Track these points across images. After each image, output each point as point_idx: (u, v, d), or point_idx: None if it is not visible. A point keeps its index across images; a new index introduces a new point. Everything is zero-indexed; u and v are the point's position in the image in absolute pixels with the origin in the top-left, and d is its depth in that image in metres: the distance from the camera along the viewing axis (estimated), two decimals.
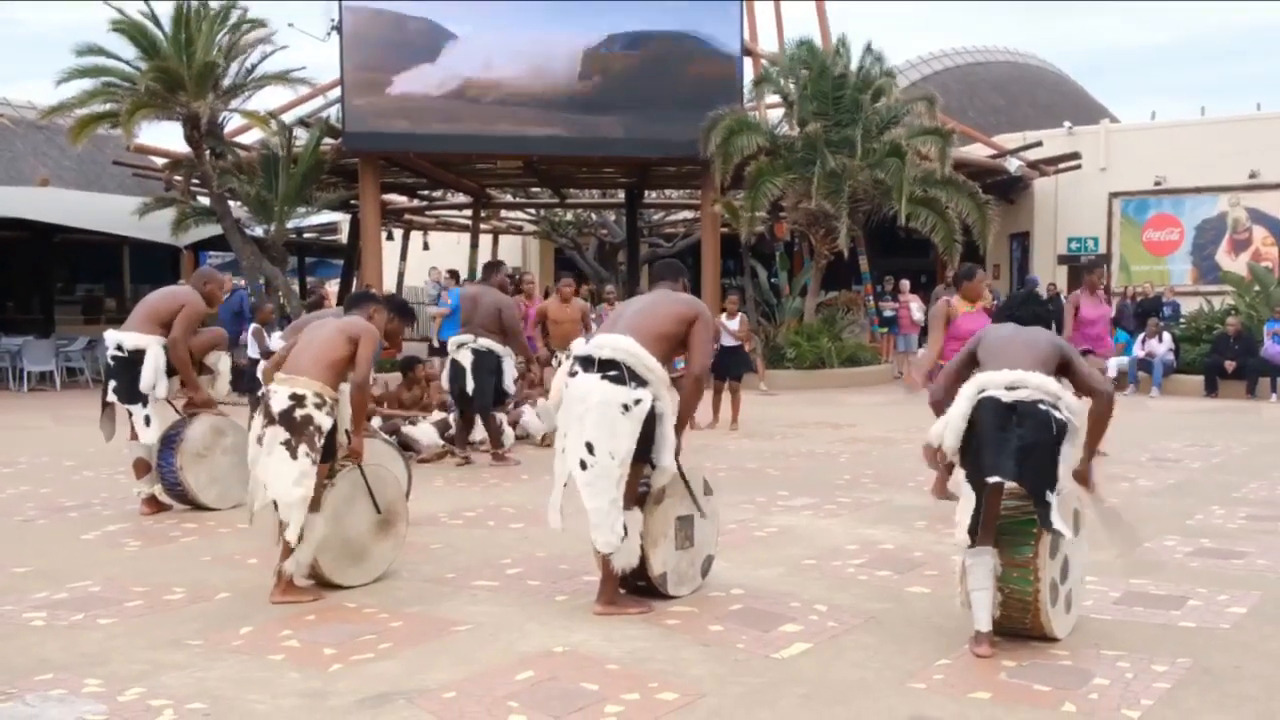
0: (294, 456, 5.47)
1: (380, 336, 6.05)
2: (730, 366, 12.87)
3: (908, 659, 4.65)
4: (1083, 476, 4.98)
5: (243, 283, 19.23)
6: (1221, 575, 6.05)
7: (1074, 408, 4.78)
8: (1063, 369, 4.95)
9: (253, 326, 12.54)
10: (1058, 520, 4.58)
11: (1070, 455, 4.76)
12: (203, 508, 7.75)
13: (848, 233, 18.18)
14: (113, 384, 7.71)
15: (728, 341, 12.88)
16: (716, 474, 8.58)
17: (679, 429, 5.40)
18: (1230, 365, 16.56)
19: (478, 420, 10.03)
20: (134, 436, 7.73)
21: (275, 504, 5.50)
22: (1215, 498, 8.36)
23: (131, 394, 7.60)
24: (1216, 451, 10.90)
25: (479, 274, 12.36)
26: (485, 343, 9.79)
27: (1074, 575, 4.99)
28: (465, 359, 9.79)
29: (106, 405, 7.84)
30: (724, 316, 13.31)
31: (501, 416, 10.18)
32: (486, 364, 9.78)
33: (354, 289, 20.46)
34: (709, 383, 13.37)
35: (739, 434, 12.20)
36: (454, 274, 19.62)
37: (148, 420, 7.64)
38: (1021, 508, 4.75)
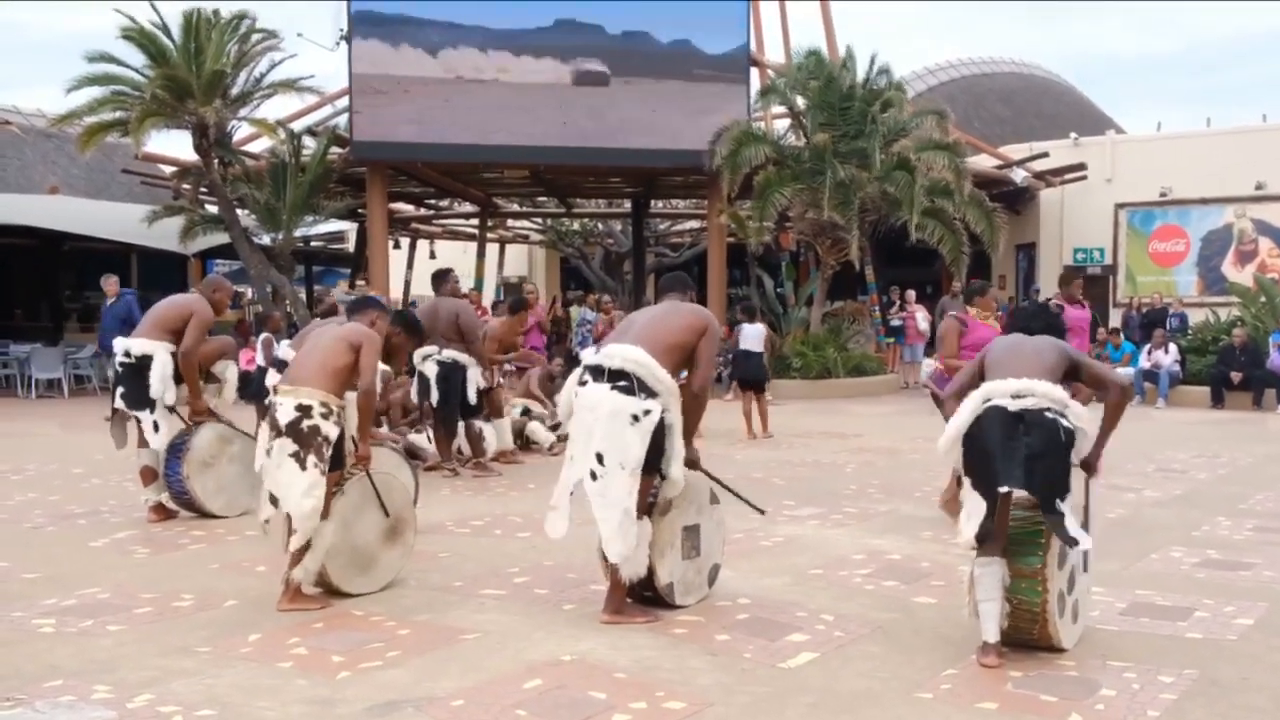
0: (303, 468, 5.48)
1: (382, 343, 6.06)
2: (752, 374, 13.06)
3: (915, 669, 4.66)
4: (1090, 465, 4.96)
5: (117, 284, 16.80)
6: (1228, 586, 6.05)
7: (1081, 414, 4.79)
8: (1072, 373, 4.95)
9: (262, 335, 12.58)
10: (1073, 529, 4.59)
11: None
12: (210, 516, 7.77)
13: (857, 244, 18.20)
14: (120, 390, 7.74)
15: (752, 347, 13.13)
16: None
17: (687, 439, 5.42)
18: (1236, 376, 16.55)
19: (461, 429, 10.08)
20: (142, 444, 7.76)
21: (289, 515, 5.52)
22: (1222, 509, 8.36)
23: (139, 400, 7.63)
24: (1223, 462, 10.89)
25: (501, 285, 12.31)
26: (449, 354, 9.78)
27: (1080, 585, 4.99)
28: (430, 371, 9.80)
29: (115, 412, 7.87)
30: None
31: (481, 424, 10.20)
32: (451, 375, 9.79)
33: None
34: (737, 393, 13.34)
35: (747, 443, 12.19)
36: (366, 280, 19.29)
37: (156, 426, 7.66)
38: (1030, 518, 4.76)
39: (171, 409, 7.79)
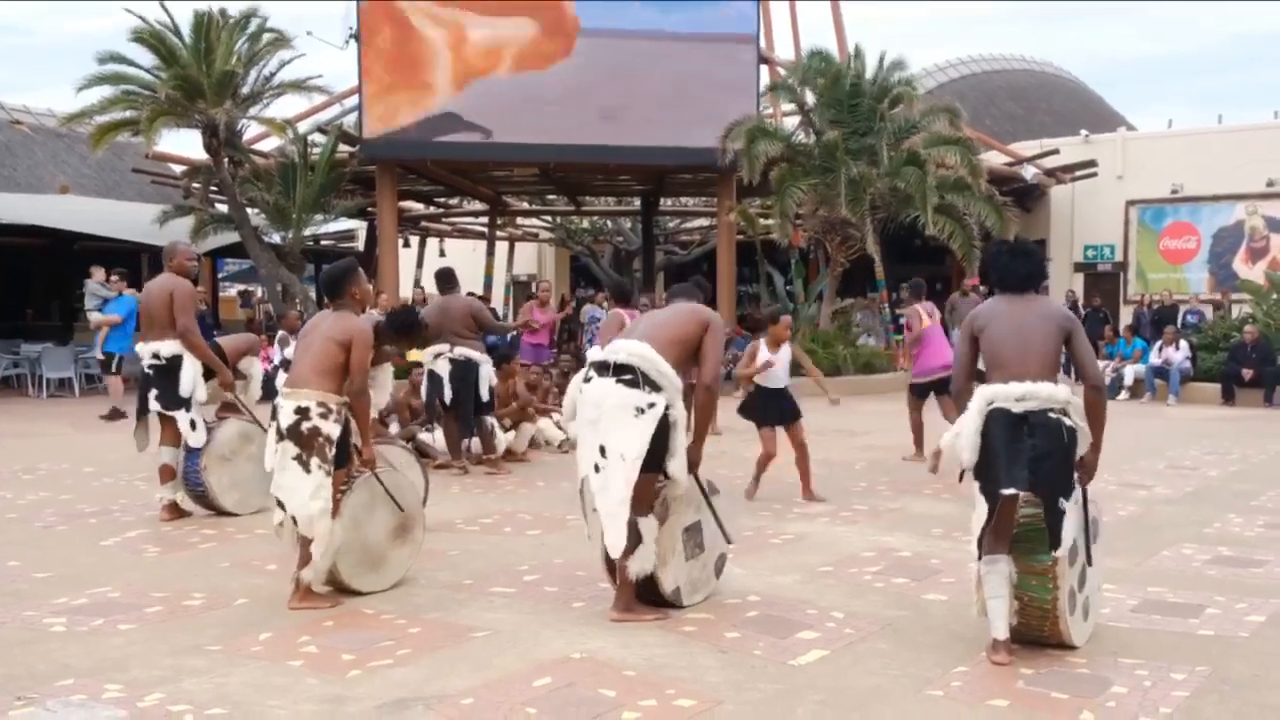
0: (307, 470, 5.48)
1: (370, 334, 5.85)
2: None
3: (925, 666, 4.65)
4: (1087, 468, 4.89)
5: None
6: (1240, 583, 6.03)
7: (1081, 412, 4.77)
8: (1067, 343, 4.89)
9: (279, 334, 12.64)
10: (1069, 532, 4.58)
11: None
12: (223, 513, 7.78)
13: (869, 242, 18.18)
14: (154, 393, 7.71)
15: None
16: (732, 481, 8.60)
17: (698, 437, 5.42)
18: (1248, 373, 16.50)
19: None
20: (164, 441, 7.75)
21: (294, 519, 5.52)
22: (1233, 505, 8.33)
23: (174, 400, 7.64)
24: (1234, 459, 10.85)
25: (512, 283, 12.25)
26: (462, 351, 9.77)
27: (1091, 582, 4.98)
28: (443, 369, 9.79)
29: (142, 416, 7.89)
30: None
31: (492, 421, 10.20)
32: (464, 373, 9.78)
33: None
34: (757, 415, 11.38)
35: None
36: (122, 275, 16.76)
37: (193, 424, 7.67)
38: (1040, 515, 4.75)
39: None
